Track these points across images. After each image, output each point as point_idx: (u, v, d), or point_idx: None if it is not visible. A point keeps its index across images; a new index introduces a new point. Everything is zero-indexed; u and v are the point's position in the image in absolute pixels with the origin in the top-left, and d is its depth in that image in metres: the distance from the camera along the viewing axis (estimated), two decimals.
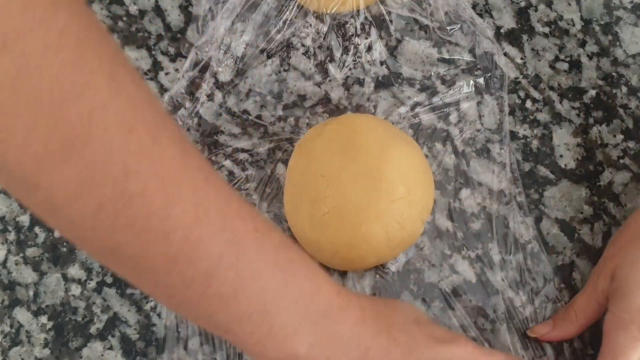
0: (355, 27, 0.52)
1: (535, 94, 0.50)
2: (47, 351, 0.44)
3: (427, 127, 0.49)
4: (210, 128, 0.49)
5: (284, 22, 0.51)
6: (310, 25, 0.52)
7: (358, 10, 0.52)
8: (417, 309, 0.42)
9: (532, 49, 0.52)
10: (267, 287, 0.30)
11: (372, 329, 0.35)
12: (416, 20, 0.52)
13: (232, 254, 0.28)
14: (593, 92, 0.50)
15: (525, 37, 0.52)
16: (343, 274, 0.46)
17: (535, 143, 0.49)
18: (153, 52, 0.52)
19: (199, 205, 0.27)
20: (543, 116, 0.50)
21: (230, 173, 0.48)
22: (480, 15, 0.52)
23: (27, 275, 0.46)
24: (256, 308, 0.30)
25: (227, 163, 0.48)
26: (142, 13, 0.53)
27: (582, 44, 0.52)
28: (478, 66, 0.51)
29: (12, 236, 0.47)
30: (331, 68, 0.51)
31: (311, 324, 0.31)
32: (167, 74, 0.51)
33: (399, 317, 0.37)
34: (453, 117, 0.49)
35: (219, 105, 0.50)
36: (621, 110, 0.50)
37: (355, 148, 0.44)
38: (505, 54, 0.51)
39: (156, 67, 0.51)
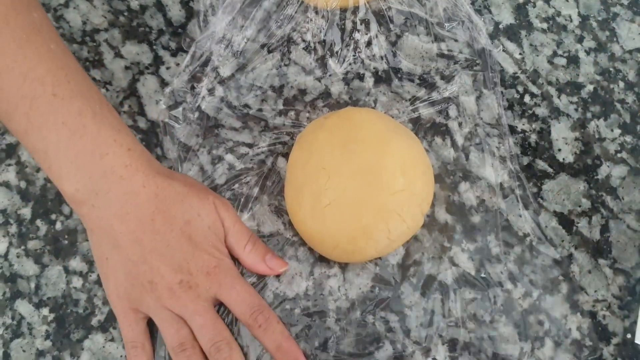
0: (355, 23, 0.52)
1: (534, 89, 0.51)
2: (48, 343, 0.44)
3: (426, 122, 0.50)
4: (212, 122, 0.49)
5: (285, 18, 0.52)
6: (311, 20, 0.52)
7: (358, 6, 0.52)
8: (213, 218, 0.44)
9: (531, 45, 0.52)
10: (49, 137, 0.40)
11: (141, 206, 0.41)
12: (416, 16, 0.52)
13: (26, 105, 0.39)
14: (591, 87, 0.51)
15: (523, 32, 0.52)
16: (344, 265, 0.46)
17: (533, 137, 0.50)
18: (154, 47, 0.52)
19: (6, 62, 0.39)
20: (541, 111, 0.50)
21: (232, 166, 0.48)
22: (479, 11, 0.53)
23: (29, 267, 0.46)
24: (41, 149, 0.40)
25: (229, 157, 0.48)
26: (143, 8, 0.53)
27: (580, 39, 0.52)
28: (477, 61, 0.51)
29: (13, 229, 0.47)
30: (331, 63, 0.51)
31: (84, 176, 0.40)
32: (168, 68, 0.51)
33: (177, 215, 0.42)
34: (452, 112, 0.50)
35: (220, 99, 0.50)
36: (618, 105, 0.50)
37: (356, 141, 0.44)
38: (504, 50, 0.52)
39: (157, 61, 0.51)
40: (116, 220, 0.41)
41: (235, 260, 0.45)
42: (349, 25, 0.52)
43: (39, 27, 0.41)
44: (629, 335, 0.45)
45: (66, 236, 0.47)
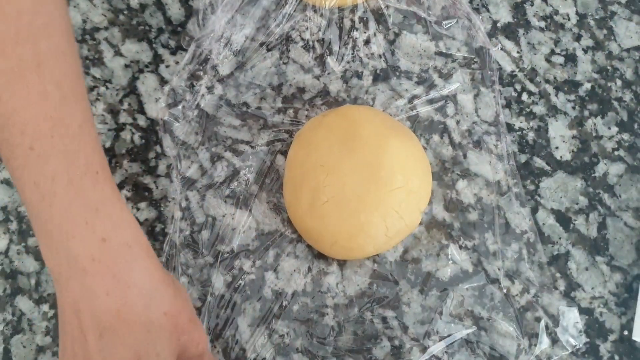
0: (354, 21, 0.52)
1: (532, 87, 0.51)
2: (48, 339, 0.45)
3: (424, 119, 0.50)
4: (211, 120, 0.50)
5: (284, 16, 0.52)
6: (310, 19, 0.52)
7: (356, 5, 0.53)
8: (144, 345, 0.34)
9: (528, 43, 0.52)
10: (25, 194, 0.34)
11: (95, 314, 0.34)
12: (414, 14, 0.52)
13: (6, 151, 0.34)
14: (588, 85, 0.51)
15: (521, 31, 0.53)
16: (342, 262, 0.46)
17: (531, 135, 0.50)
18: (154, 45, 0.52)
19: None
20: (539, 109, 0.50)
21: (230, 164, 0.48)
22: (477, 10, 0.53)
23: (29, 264, 0.46)
24: (23, 200, 0.34)
25: (227, 154, 0.49)
26: (143, 7, 0.53)
27: (578, 38, 0.52)
28: (475, 60, 0.51)
29: (14, 226, 0.47)
30: (330, 61, 0.51)
31: (50, 252, 0.34)
32: (167, 66, 0.52)
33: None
34: (450, 110, 0.50)
35: (219, 97, 0.50)
36: (616, 103, 0.51)
37: (355, 138, 0.44)
38: (502, 48, 0.52)
39: (157, 59, 0.52)
40: (68, 317, 0.34)
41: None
42: (347, 23, 0.52)
43: (40, 61, 0.33)
44: (625, 332, 0.45)
45: None
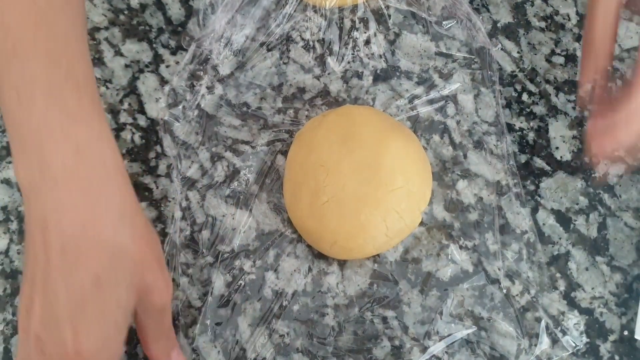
0: (354, 21, 0.52)
1: (532, 87, 0.51)
2: None
3: (424, 120, 0.50)
4: (211, 120, 0.50)
5: (284, 16, 0.52)
6: (310, 19, 0.52)
7: (357, 5, 0.53)
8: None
9: (529, 43, 0.52)
10: (3, 100, 0.33)
11: (61, 228, 0.32)
12: (414, 15, 0.52)
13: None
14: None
15: (521, 31, 0.53)
16: (342, 262, 0.46)
17: (531, 135, 0.50)
18: (154, 45, 0.52)
19: None
20: (539, 109, 0.51)
21: (231, 164, 0.48)
22: (477, 10, 0.53)
23: None
24: (2, 110, 0.34)
25: (228, 154, 0.49)
26: (143, 6, 0.53)
27: (578, 38, 0.52)
28: (475, 60, 0.51)
29: (14, 225, 0.47)
30: (330, 61, 0.51)
31: (25, 161, 0.32)
32: (167, 66, 0.52)
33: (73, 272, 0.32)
34: (450, 110, 0.50)
35: (220, 97, 0.50)
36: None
37: (355, 138, 0.44)
38: (502, 48, 0.52)
39: (157, 59, 0.52)
40: (33, 236, 0.32)
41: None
42: (347, 23, 0.52)
43: None
44: (626, 332, 0.45)
45: None
